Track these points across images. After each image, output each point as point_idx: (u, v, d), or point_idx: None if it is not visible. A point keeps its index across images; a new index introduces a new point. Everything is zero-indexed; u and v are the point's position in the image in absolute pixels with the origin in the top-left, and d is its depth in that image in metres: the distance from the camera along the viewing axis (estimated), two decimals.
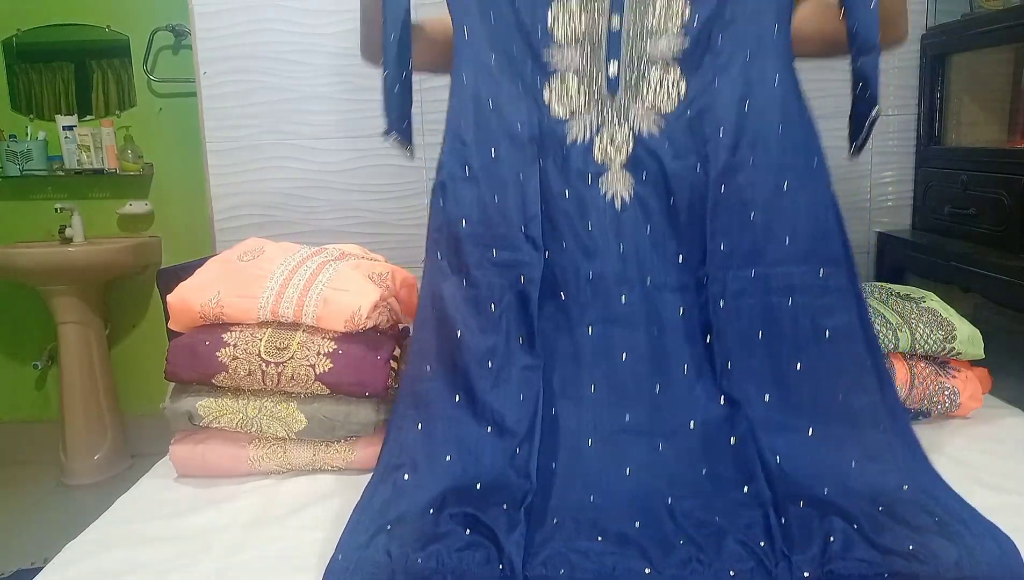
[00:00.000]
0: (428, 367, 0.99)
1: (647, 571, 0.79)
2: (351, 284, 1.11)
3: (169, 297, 1.11)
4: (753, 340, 0.98)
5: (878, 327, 1.16)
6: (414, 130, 1.20)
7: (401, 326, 1.23)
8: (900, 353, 1.19)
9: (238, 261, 1.17)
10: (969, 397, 1.18)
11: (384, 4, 1.07)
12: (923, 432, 1.01)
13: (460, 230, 1.03)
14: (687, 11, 1.02)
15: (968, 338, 1.19)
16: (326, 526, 0.92)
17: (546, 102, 1.06)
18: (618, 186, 1.04)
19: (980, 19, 1.62)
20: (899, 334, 1.16)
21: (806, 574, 0.79)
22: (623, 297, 1.01)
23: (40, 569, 0.86)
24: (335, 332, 1.08)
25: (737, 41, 1.02)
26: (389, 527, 0.85)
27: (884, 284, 1.39)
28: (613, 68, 1.04)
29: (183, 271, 1.19)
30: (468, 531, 0.84)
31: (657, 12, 1.03)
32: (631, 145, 1.03)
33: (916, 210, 1.85)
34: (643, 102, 1.04)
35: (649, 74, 1.03)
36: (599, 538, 0.83)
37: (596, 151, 1.04)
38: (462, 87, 1.08)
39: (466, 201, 1.04)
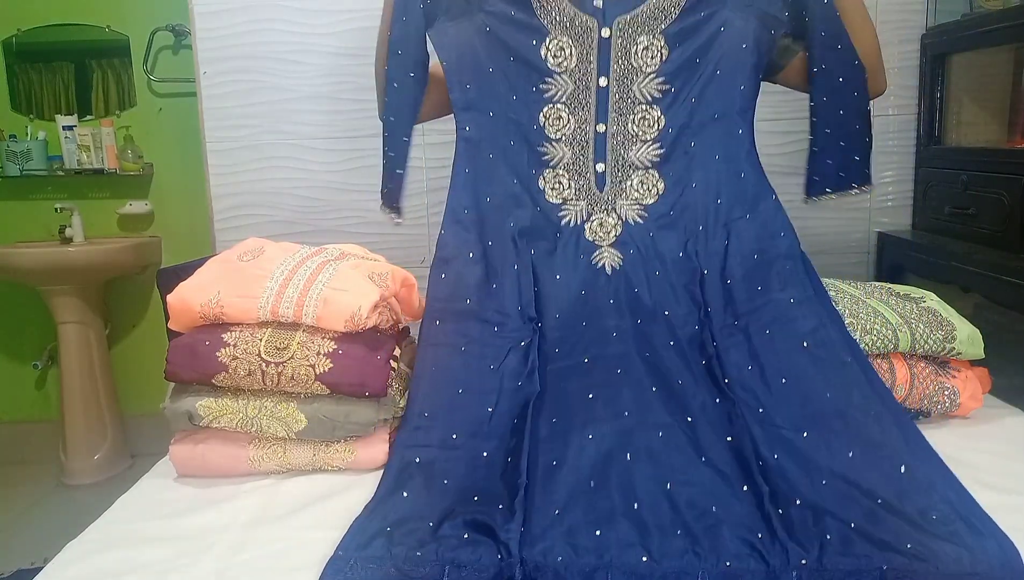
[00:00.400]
0: (426, 414, 1.03)
1: (644, 559, 0.80)
2: (351, 284, 1.11)
3: (169, 297, 1.11)
4: (742, 374, 1.03)
5: (878, 327, 1.16)
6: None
7: (401, 326, 1.23)
8: (900, 353, 1.19)
9: (238, 261, 1.17)
10: (969, 397, 1.18)
11: (390, 102, 1.21)
12: (923, 432, 1.01)
13: (464, 306, 1.12)
14: (662, 120, 1.16)
15: (968, 338, 1.19)
16: (326, 526, 0.92)
17: (540, 189, 1.18)
18: (608, 259, 1.15)
19: (980, 19, 1.62)
20: (899, 334, 1.16)
21: (803, 561, 0.79)
22: (614, 333, 1.09)
23: (40, 569, 0.86)
24: (335, 332, 1.08)
25: (708, 144, 1.16)
26: (389, 529, 0.86)
27: (884, 284, 1.38)
28: (600, 167, 1.17)
29: (183, 271, 1.19)
30: (467, 535, 0.85)
31: (636, 121, 1.16)
32: (619, 229, 1.16)
33: (916, 210, 1.85)
34: (627, 198, 1.17)
35: (632, 176, 1.17)
36: (597, 532, 0.84)
37: (587, 232, 1.17)
38: (462, 179, 1.19)
39: (470, 281, 1.13)
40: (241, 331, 1.08)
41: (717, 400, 1.00)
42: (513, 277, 1.13)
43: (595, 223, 1.15)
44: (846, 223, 1.87)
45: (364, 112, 1.81)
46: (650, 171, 1.16)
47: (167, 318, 1.14)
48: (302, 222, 1.87)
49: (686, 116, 1.16)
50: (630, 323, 1.09)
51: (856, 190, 1.21)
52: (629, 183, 1.16)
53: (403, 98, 1.21)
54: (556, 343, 1.08)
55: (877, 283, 1.41)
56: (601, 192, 1.16)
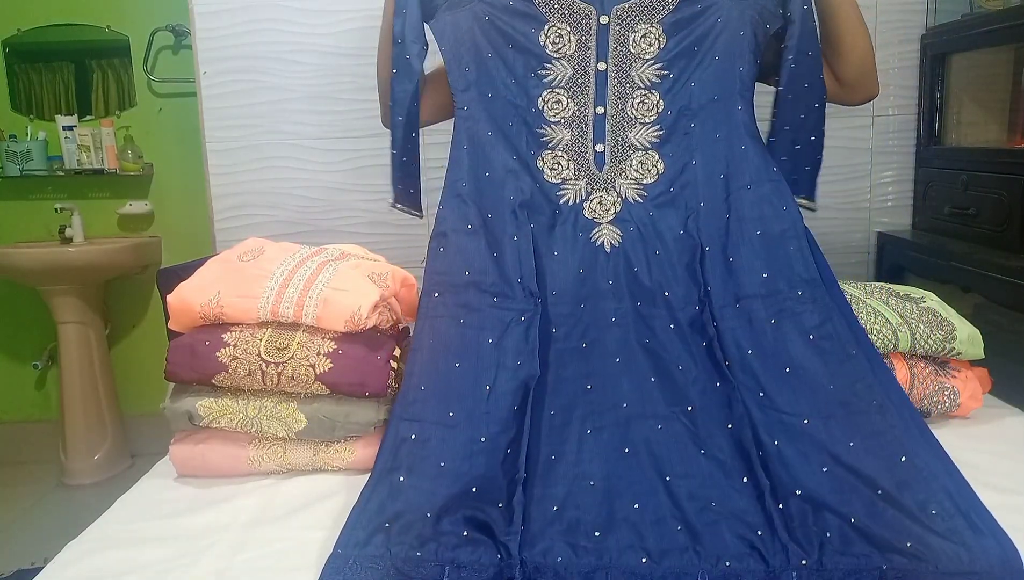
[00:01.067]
0: (423, 387, 1.01)
1: (643, 560, 0.80)
2: (351, 284, 1.11)
3: (169, 297, 1.11)
4: (743, 356, 1.02)
5: (878, 327, 1.16)
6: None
7: (401, 326, 1.23)
8: (900, 353, 1.19)
9: (238, 261, 1.17)
10: (969, 397, 1.18)
11: (392, 89, 1.20)
12: None
13: (463, 278, 1.10)
14: (661, 104, 1.16)
15: (968, 338, 1.19)
16: (326, 526, 0.92)
17: (539, 169, 1.17)
18: (607, 237, 1.13)
19: (980, 19, 1.62)
20: (899, 334, 1.16)
21: (804, 561, 0.79)
22: (613, 317, 1.08)
23: (40, 569, 0.86)
24: (335, 332, 1.08)
25: (708, 124, 1.15)
26: (387, 525, 0.86)
27: (884, 284, 1.38)
28: (600, 148, 1.17)
29: (183, 271, 1.19)
30: (466, 532, 0.85)
31: (635, 104, 1.16)
32: (619, 207, 1.15)
33: (916, 210, 1.85)
34: (626, 177, 1.16)
35: (632, 156, 1.16)
36: (597, 533, 0.84)
37: (586, 210, 1.15)
38: (461, 154, 1.19)
39: (469, 252, 1.12)
40: (241, 331, 1.08)
41: (718, 384, 0.99)
42: (513, 247, 1.11)
43: (594, 201, 1.14)
44: (846, 223, 1.87)
45: (364, 112, 1.81)
46: (649, 152, 1.15)
47: (167, 318, 1.14)
48: (302, 222, 1.87)
49: (685, 100, 1.16)
50: (629, 306, 1.08)
51: (803, 200, 1.22)
52: (629, 163, 1.15)
53: (404, 85, 1.20)
54: (554, 323, 1.07)
55: (877, 283, 1.41)
56: (600, 171, 1.15)
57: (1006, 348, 1.40)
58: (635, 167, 1.15)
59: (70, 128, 2.45)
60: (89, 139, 2.45)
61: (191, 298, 1.10)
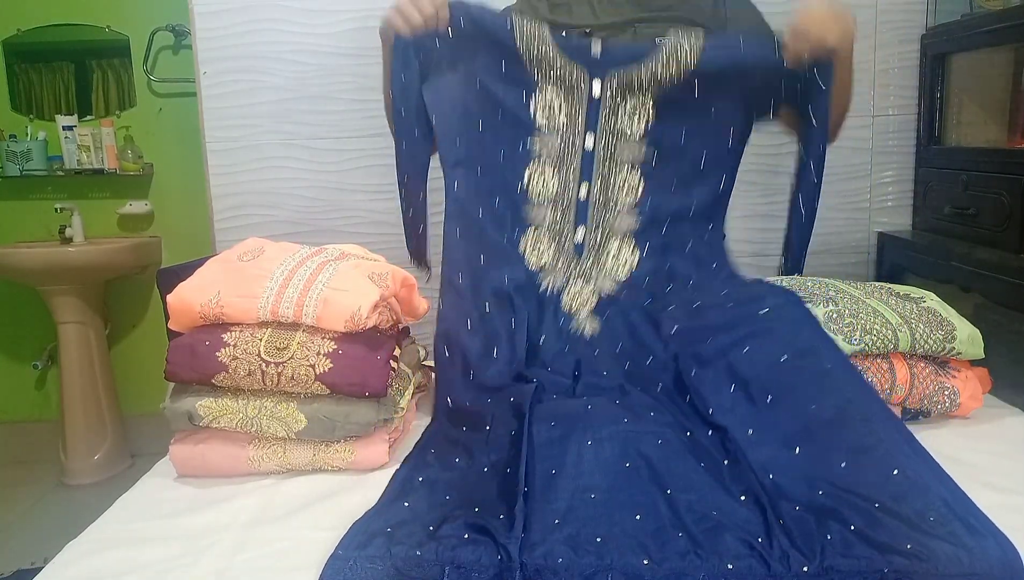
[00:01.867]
0: (433, 450, 1.07)
1: (645, 562, 0.80)
2: (351, 284, 1.11)
3: (169, 297, 1.11)
4: (724, 393, 1.04)
5: (878, 327, 1.16)
6: None
7: (401, 326, 1.23)
8: (900, 353, 1.19)
9: (238, 261, 1.17)
10: (969, 397, 1.18)
11: (397, 154, 1.23)
12: (923, 432, 1.01)
13: (468, 381, 1.15)
14: (640, 188, 1.18)
15: (968, 338, 1.19)
16: (326, 526, 0.92)
17: (522, 252, 1.19)
18: (587, 325, 1.18)
19: (980, 19, 1.62)
20: (899, 334, 1.16)
21: (805, 568, 0.79)
22: (604, 372, 1.13)
23: (40, 569, 0.86)
24: (335, 332, 1.08)
25: (683, 234, 1.19)
26: (389, 530, 0.87)
27: (884, 284, 1.38)
28: (580, 234, 1.19)
29: (183, 271, 1.19)
30: (467, 535, 0.85)
31: (619, 185, 1.18)
32: (595, 300, 1.19)
33: (916, 210, 1.86)
34: (603, 269, 1.19)
35: (610, 244, 1.19)
36: (598, 539, 0.84)
37: (565, 300, 1.19)
38: (455, 240, 1.21)
39: (471, 351, 1.16)
40: (241, 331, 1.08)
41: (710, 433, 1.01)
42: (509, 337, 1.16)
43: (572, 291, 1.18)
44: (846, 223, 1.87)
45: (364, 112, 1.81)
46: (627, 240, 1.18)
47: (167, 318, 1.14)
48: (302, 222, 1.87)
49: (666, 196, 1.18)
50: (618, 368, 1.13)
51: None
52: (606, 253, 1.19)
53: (413, 156, 1.23)
54: (551, 391, 1.11)
55: (877, 283, 1.41)
56: (579, 258, 1.18)
57: (1006, 348, 1.40)
58: (612, 257, 1.19)
59: (70, 128, 2.45)
60: (89, 139, 2.45)
61: (191, 298, 1.10)
